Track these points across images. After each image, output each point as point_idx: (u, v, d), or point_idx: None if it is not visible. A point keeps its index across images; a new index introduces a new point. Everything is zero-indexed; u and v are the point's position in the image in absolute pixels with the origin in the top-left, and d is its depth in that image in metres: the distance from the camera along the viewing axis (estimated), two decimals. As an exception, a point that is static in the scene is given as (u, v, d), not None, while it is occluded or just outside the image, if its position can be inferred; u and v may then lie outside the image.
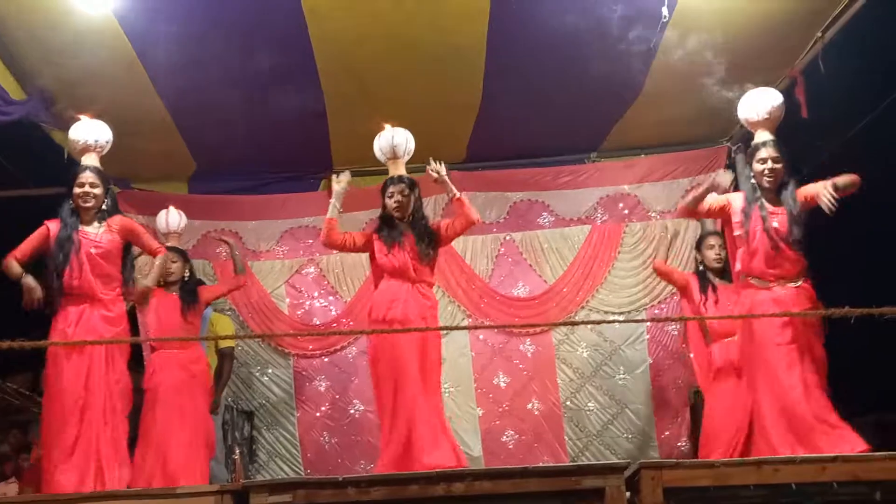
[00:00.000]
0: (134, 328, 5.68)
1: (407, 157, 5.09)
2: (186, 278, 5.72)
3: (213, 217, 6.84)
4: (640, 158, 6.87)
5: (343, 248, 5.12)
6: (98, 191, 4.72)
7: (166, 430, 5.30)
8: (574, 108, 6.09)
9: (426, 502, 3.84)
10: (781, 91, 5.64)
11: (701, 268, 5.68)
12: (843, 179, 4.43)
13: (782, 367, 4.47)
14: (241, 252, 6.81)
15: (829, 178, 4.45)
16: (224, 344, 6.16)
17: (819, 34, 5.26)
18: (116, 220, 4.79)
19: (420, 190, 5.14)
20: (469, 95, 5.95)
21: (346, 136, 6.27)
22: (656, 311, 6.58)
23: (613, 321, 6.58)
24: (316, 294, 6.84)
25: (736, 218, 4.68)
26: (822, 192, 4.39)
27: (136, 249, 4.95)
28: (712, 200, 4.72)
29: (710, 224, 5.85)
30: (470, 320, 6.61)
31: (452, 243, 6.65)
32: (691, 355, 5.93)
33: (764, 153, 4.63)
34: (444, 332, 6.03)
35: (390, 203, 5.01)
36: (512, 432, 6.53)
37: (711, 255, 5.61)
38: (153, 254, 4.90)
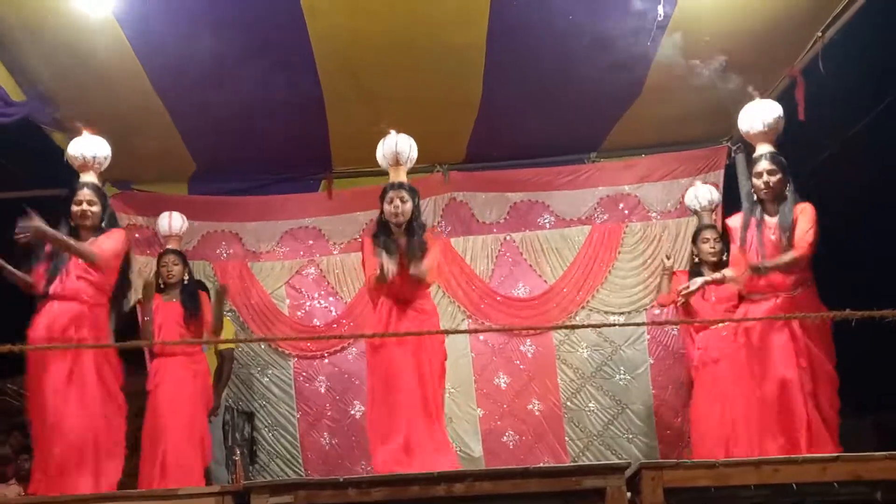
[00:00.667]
0: (134, 329, 5.67)
1: (409, 165, 5.06)
2: (186, 281, 5.73)
3: (213, 218, 6.84)
4: (640, 158, 6.86)
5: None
6: (96, 208, 4.71)
7: (166, 433, 5.29)
8: (574, 108, 6.08)
9: (427, 503, 3.84)
10: (781, 91, 5.67)
11: (696, 260, 5.73)
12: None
13: (772, 369, 4.57)
14: (242, 253, 6.83)
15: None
16: (224, 345, 6.16)
17: (819, 34, 5.25)
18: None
19: (419, 197, 5.07)
20: (469, 95, 5.93)
21: (346, 136, 6.27)
22: (656, 312, 6.58)
23: (613, 324, 6.59)
24: (316, 295, 6.84)
25: (736, 235, 4.81)
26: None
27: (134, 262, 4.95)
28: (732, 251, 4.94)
29: (706, 218, 5.88)
30: (470, 321, 6.61)
31: (453, 243, 6.72)
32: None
33: (760, 167, 4.68)
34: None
35: (389, 209, 4.93)
36: (512, 433, 6.53)
37: (706, 248, 5.66)
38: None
